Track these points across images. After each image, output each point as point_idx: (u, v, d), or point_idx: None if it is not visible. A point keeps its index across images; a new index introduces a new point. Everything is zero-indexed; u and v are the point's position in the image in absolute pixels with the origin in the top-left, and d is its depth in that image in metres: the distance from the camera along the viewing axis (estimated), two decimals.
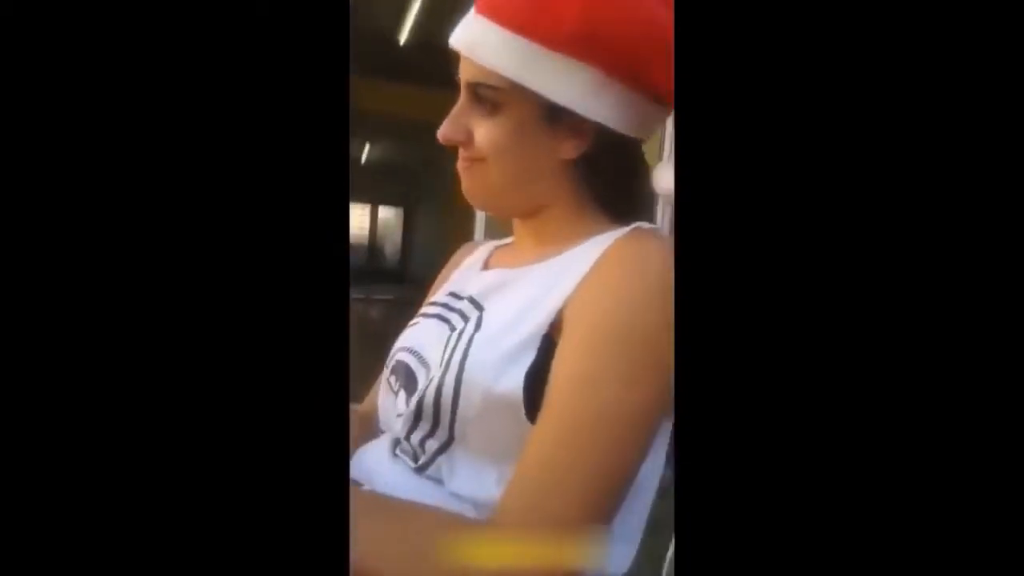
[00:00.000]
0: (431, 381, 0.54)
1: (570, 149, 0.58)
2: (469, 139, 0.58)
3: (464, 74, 0.57)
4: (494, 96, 0.55)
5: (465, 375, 0.52)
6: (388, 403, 0.63)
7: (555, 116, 0.56)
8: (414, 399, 0.55)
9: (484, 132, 0.56)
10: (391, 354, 0.64)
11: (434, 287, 0.73)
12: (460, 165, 0.59)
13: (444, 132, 0.57)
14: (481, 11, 0.55)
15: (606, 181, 0.60)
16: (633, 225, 0.57)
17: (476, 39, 0.55)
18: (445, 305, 0.64)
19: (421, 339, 0.62)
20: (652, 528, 0.58)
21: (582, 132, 0.57)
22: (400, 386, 0.60)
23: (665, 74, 0.52)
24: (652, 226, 0.57)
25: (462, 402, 0.52)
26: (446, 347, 0.56)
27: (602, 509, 0.46)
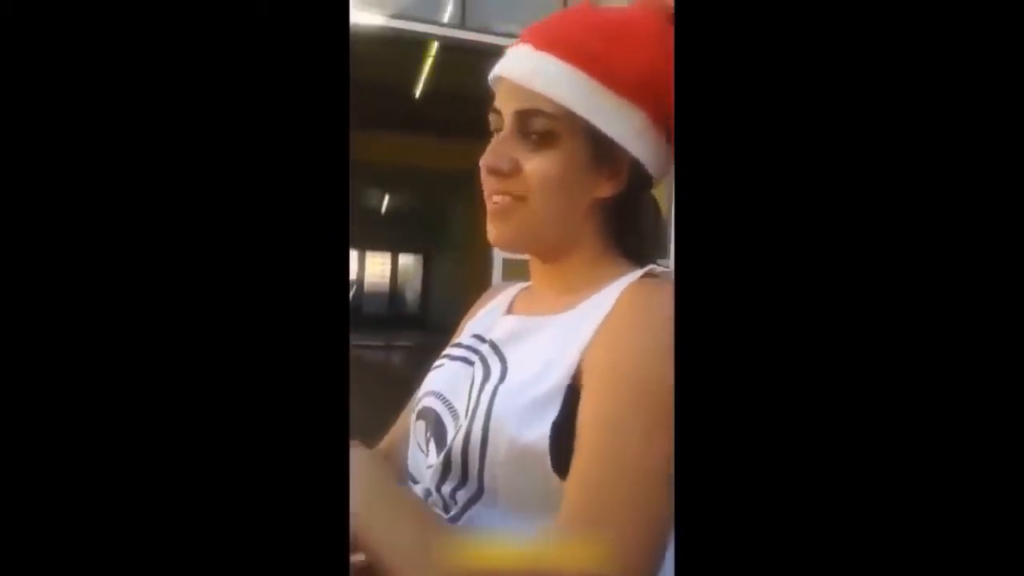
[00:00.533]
0: (459, 431, 0.54)
1: (608, 188, 0.58)
2: (515, 171, 0.56)
3: (512, 103, 0.56)
4: (548, 125, 0.55)
5: (492, 424, 0.52)
6: (417, 453, 0.62)
7: (601, 153, 0.56)
8: (444, 451, 0.55)
9: (535, 165, 0.55)
10: (418, 398, 0.64)
11: (460, 327, 0.72)
12: (495, 203, 0.57)
13: (490, 161, 0.56)
14: (539, 46, 0.56)
15: (629, 223, 0.61)
16: (646, 268, 0.57)
17: (533, 69, 0.56)
18: (469, 347, 0.64)
19: (448, 383, 0.62)
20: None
21: (620, 172, 0.58)
22: (430, 434, 0.60)
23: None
24: (664, 268, 0.58)
25: (490, 453, 0.52)
26: (470, 395, 0.56)
27: (642, 558, 0.45)
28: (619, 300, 0.53)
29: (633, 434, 0.47)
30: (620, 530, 0.45)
